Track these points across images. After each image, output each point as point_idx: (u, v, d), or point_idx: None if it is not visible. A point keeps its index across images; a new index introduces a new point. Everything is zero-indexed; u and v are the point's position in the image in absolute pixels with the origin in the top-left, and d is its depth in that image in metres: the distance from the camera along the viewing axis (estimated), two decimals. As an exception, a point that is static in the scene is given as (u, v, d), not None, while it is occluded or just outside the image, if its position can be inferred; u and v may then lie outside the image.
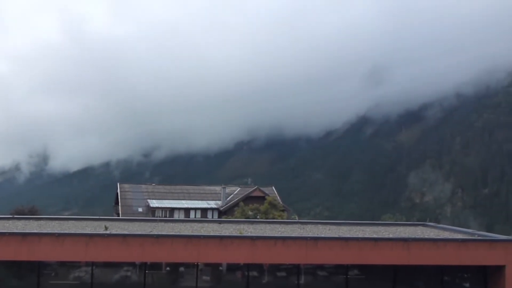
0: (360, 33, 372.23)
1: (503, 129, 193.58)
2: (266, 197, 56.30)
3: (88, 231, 23.88)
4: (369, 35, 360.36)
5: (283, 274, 23.33)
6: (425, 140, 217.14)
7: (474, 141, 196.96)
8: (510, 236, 26.01)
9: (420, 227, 30.12)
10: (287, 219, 50.59)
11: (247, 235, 23.15)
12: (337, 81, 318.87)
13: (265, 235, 23.74)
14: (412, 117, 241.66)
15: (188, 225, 28.16)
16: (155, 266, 22.91)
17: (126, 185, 65.10)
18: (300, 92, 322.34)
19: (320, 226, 29.11)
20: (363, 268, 23.39)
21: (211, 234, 23.57)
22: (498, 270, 22.59)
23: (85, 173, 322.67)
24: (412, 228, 29.36)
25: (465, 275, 24.18)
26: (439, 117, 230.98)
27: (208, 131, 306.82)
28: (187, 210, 58.83)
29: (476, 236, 24.91)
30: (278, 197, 59.64)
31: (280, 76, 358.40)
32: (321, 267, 23.31)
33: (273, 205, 53.07)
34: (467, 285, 24.36)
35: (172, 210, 58.24)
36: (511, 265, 22.34)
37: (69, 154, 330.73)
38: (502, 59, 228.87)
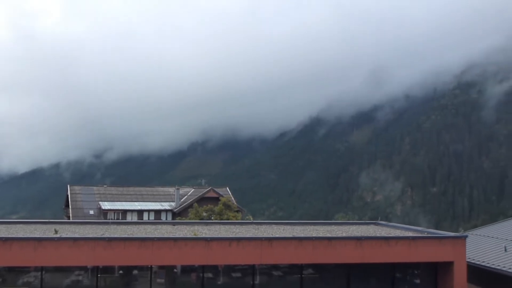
0: (313, 37, 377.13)
1: (450, 130, 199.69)
2: (221, 198, 56.08)
3: (37, 235, 23.19)
4: (321, 39, 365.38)
5: (238, 274, 23.30)
6: (376, 141, 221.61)
7: (422, 141, 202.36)
8: (457, 233, 26.80)
9: (372, 226, 30.64)
10: (242, 219, 50.58)
11: (201, 236, 23.00)
12: (291, 83, 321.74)
13: (219, 236, 23.65)
14: (364, 118, 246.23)
15: (141, 227, 27.76)
16: (108, 269, 22.46)
17: (76, 187, 63.52)
18: (255, 93, 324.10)
19: (274, 226, 29.23)
20: (317, 267, 23.62)
21: (165, 236, 23.31)
22: (447, 266, 23.24)
23: (34, 175, 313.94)
24: (364, 227, 29.83)
25: (416, 272, 24.75)
26: (389, 119, 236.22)
27: (162, 131, 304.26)
28: (140, 212, 57.95)
29: (425, 233, 25.54)
30: (233, 198, 59.52)
31: (235, 78, 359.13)
32: (276, 267, 23.40)
33: (227, 206, 52.91)
34: (418, 281, 24.93)
35: (124, 212, 57.26)
36: (459, 261, 23.03)
37: (17, 155, 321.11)
38: (448, 63, 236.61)
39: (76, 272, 22.19)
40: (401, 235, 25.24)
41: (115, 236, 22.80)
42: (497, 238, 28.99)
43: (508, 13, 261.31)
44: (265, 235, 24.24)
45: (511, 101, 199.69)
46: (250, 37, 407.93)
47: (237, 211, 55.08)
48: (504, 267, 24.04)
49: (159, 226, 28.38)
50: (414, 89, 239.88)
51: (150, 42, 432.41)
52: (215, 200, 56.66)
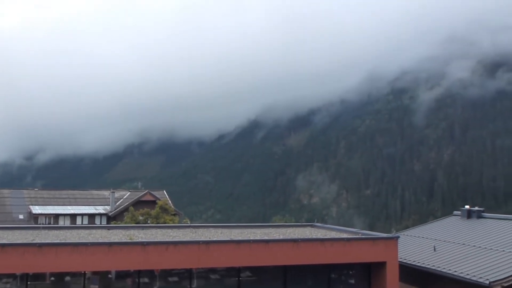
0: (251, 41, 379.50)
1: (383, 134, 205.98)
2: (157, 201, 55.34)
3: (-39, 241, 22.04)
4: (260, 43, 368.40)
5: (175, 279, 23.04)
6: (313, 144, 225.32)
7: (357, 145, 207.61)
8: (390, 234, 27.61)
9: (309, 228, 31.08)
10: (179, 223, 50.07)
11: (137, 240, 22.58)
12: (229, 86, 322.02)
13: (156, 240, 23.30)
14: (301, 121, 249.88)
15: (74, 232, 26.96)
16: (38, 276, 21.64)
17: (5, 190, 60.94)
18: (193, 96, 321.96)
19: (212, 230, 29.12)
20: (254, 269, 23.69)
21: (99, 241, 22.72)
22: (380, 266, 23.88)
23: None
24: (301, 229, 30.21)
25: (350, 272, 25.29)
26: (326, 122, 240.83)
27: (97, 133, 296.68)
28: (73, 216, 56.27)
29: (359, 234, 26.15)
30: (170, 201, 58.84)
31: (173, 80, 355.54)
32: (213, 270, 23.30)
33: (164, 209, 52.29)
34: (352, 281, 25.47)
35: (56, 216, 55.41)
36: (391, 261, 23.71)
37: None
38: (382, 70, 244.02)
39: (4, 280, 21.24)
40: (337, 236, 25.72)
41: (46, 241, 21.98)
42: (427, 238, 30.07)
43: (438, 23, 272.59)
44: (203, 238, 24.09)
45: (441, 107, 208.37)
46: (189, 40, 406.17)
47: (174, 215, 54.53)
48: (433, 266, 24.95)
49: (93, 231, 27.66)
50: (350, 94, 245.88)
51: (87, 42, 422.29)
52: (152, 203, 55.85)
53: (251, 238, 24.02)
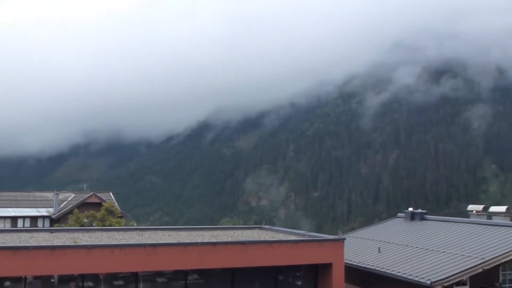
0: (202, 42, 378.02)
1: (331, 137, 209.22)
2: (103, 203, 54.15)
3: None
4: (211, 45, 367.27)
5: (121, 282, 22.62)
6: (262, 147, 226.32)
7: (306, 148, 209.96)
8: (336, 236, 28.05)
9: (257, 230, 31.18)
10: (125, 226, 49.24)
11: (82, 244, 22.05)
12: (179, 87, 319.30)
13: (101, 243, 22.82)
14: (251, 124, 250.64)
15: (15, 235, 26.07)
16: (-24, 281, 20.81)
17: None
18: (141, 96, 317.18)
19: (159, 232, 28.77)
20: (202, 272, 23.55)
21: (42, 244, 22.05)
22: (326, 267, 24.19)
23: None
24: (249, 231, 30.26)
25: (298, 274, 25.50)
26: (275, 125, 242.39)
27: (41, 132, 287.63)
28: (14, 219, 54.35)
29: (307, 237, 26.42)
30: (116, 203, 57.70)
31: (121, 79, 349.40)
32: (160, 273, 23.01)
33: (110, 212, 51.23)
34: (299, 282, 25.70)
35: (-4, 219, 53.42)
36: (337, 262, 24.06)
37: None
38: (331, 74, 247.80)
39: None
40: (284, 238, 25.88)
41: (-15, 245, 21.16)
42: (372, 239, 30.71)
43: (386, 30, 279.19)
44: (150, 241, 23.77)
45: (387, 112, 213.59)
46: (139, 41, 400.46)
47: (121, 217, 53.54)
48: (378, 267, 25.49)
49: (35, 234, 26.83)
50: (299, 97, 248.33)
51: (31, 44, 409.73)
52: (97, 205, 54.63)
53: (199, 241, 23.87)
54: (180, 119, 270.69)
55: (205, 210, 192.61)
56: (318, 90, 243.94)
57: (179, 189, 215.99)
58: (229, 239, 25.35)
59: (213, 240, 24.73)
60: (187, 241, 24.09)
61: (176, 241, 23.88)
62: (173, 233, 28.46)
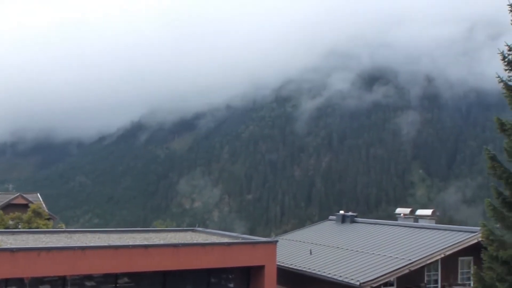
0: (137, 42, 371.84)
1: (266, 140, 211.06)
2: (30, 204, 52.06)
3: None
4: (147, 43, 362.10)
5: (47, 287, 21.81)
6: (197, 148, 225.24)
7: (241, 150, 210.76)
8: (269, 238, 28.20)
9: (190, 232, 30.92)
10: (53, 228, 47.57)
11: (6, 247, 21.08)
12: (112, 86, 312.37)
13: (27, 246, 21.92)
14: (185, 125, 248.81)
15: None
16: None
17: None
18: (73, 95, 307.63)
19: (89, 235, 27.98)
20: (133, 275, 23.08)
21: (-39, 247, 20.91)
22: (259, 269, 24.30)
23: None
24: (182, 234, 29.98)
25: (230, 276, 25.49)
26: (210, 127, 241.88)
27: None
28: None
29: (240, 239, 26.46)
30: (44, 205, 55.60)
31: (52, 77, 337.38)
32: (89, 277, 22.36)
33: (37, 213, 49.29)
34: (232, 285, 25.69)
35: None
36: (269, 264, 24.22)
37: None
38: (268, 78, 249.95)
39: None
40: (217, 241, 25.81)
41: None
42: (304, 242, 31.14)
43: (322, 36, 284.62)
44: (78, 244, 23.07)
45: (321, 116, 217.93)
46: (72, 39, 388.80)
47: (48, 219, 51.65)
48: (309, 268, 25.87)
49: (-46, 237, 25.43)
50: (235, 100, 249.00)
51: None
52: (24, 207, 52.45)
53: (130, 243, 23.40)
54: (113, 119, 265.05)
55: (137, 212, 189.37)
56: (254, 93, 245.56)
57: (110, 190, 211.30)
58: (161, 242, 25.00)
59: (145, 242, 24.32)
60: (118, 243, 23.57)
61: (106, 244, 23.30)
62: (103, 235, 27.76)
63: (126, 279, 23.23)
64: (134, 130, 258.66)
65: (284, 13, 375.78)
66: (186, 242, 25.03)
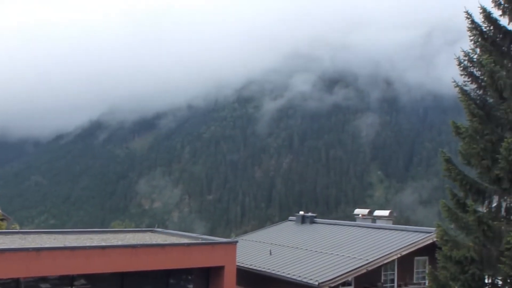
0: (98, 37, 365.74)
1: (227, 141, 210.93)
2: (-17, 204, 50.57)
3: None
4: (107, 41, 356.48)
5: (0, 289, 21.21)
6: (157, 148, 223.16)
7: (202, 151, 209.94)
8: (229, 239, 28.16)
9: (149, 233, 30.58)
10: (7, 229, 46.32)
11: (-44, 248, 20.38)
12: (71, 83, 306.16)
13: (-22, 247, 21.23)
14: (146, 125, 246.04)
15: None
16: None
17: None
18: (29, 92, 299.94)
19: (44, 236, 27.33)
20: (90, 277, 22.67)
21: None
22: (218, 270, 24.24)
23: None
24: (141, 235, 29.62)
25: (189, 277, 25.33)
26: (171, 127, 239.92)
27: None
28: None
29: (200, 240, 26.32)
30: (-2, 205, 54.12)
31: (7, 75, 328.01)
32: (44, 279, 21.83)
33: (-10, 214, 47.91)
34: (191, 286, 25.53)
35: None
36: (229, 265, 24.19)
37: None
38: (229, 78, 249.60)
39: None
40: (177, 242, 25.62)
41: None
42: (264, 242, 31.24)
43: (284, 37, 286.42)
44: (33, 245, 22.49)
45: (282, 117, 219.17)
46: (31, 35, 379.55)
47: (2, 220, 50.24)
48: (269, 269, 25.97)
49: None
50: (197, 100, 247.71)
51: None
52: (-24, 207, 50.93)
53: (87, 244, 22.97)
54: (71, 117, 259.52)
55: (95, 213, 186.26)
56: (215, 94, 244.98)
57: (67, 190, 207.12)
58: (119, 243, 24.64)
59: (103, 243, 23.92)
60: (74, 244, 23.10)
61: (62, 245, 22.80)
62: (59, 236, 27.17)
63: (82, 281, 22.80)
64: (93, 129, 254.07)
65: (246, 14, 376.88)
66: (144, 243, 24.74)
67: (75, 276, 22.14)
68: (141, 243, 24.40)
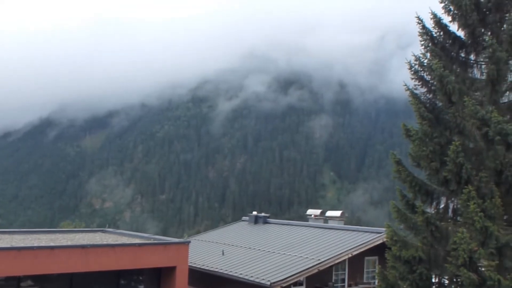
0: (49, 34, 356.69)
1: (181, 140, 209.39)
2: None
3: None
4: (59, 37, 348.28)
5: None
6: (109, 147, 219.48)
7: (155, 150, 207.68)
8: (182, 239, 27.92)
9: (100, 233, 30.03)
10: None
11: None
12: (20, 79, 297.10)
13: None
14: (98, 123, 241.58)
15: None
16: None
17: None
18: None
19: (-11, 236, 26.45)
20: (38, 278, 22.05)
21: None
22: (170, 270, 24.02)
23: None
24: (91, 235, 29.05)
25: (140, 277, 24.99)
26: (124, 125, 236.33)
27: None
28: None
29: (151, 240, 26.02)
30: None
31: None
32: (-12, 280, 21.13)
33: None
34: (142, 286, 25.21)
35: None
36: (181, 265, 24.00)
37: None
38: (184, 77, 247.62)
39: None
40: (128, 242, 25.25)
41: None
42: (217, 242, 31.15)
43: (240, 38, 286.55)
44: (-23, 245, 21.73)
45: (237, 117, 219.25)
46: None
47: None
48: (221, 269, 25.90)
49: None
50: (150, 98, 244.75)
51: None
52: None
53: (35, 245, 22.34)
54: (19, 114, 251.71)
55: (44, 212, 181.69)
56: (170, 93, 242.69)
57: (14, 189, 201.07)
58: (69, 243, 24.10)
59: (51, 244, 23.33)
60: (21, 245, 22.43)
61: (8, 245, 22.10)
62: (5, 236, 26.34)
63: (29, 282, 22.16)
64: (42, 127, 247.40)
65: (202, 14, 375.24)
66: (94, 243, 24.28)
67: (21, 277, 21.51)
68: (91, 243, 23.95)
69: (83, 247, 22.31)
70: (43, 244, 23.14)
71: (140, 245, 23.77)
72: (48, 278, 22.31)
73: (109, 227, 33.03)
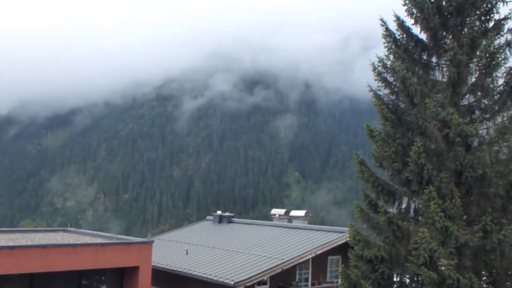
0: (10, 29, 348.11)
1: (145, 139, 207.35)
2: None
3: None
4: (20, 32, 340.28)
5: None
6: (71, 145, 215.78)
7: (118, 149, 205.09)
8: (145, 238, 27.67)
9: (61, 233, 29.48)
10: None
11: None
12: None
13: None
14: (60, 121, 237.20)
15: None
16: None
17: None
18: None
19: None
20: (-5, 279, 21.53)
21: None
22: (133, 270, 23.76)
23: None
24: (52, 234, 28.50)
25: (103, 278, 24.64)
26: (87, 123, 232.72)
27: None
28: None
29: (114, 239, 25.68)
30: None
31: None
32: None
33: None
34: (104, 287, 24.86)
35: None
36: (144, 265, 23.76)
37: None
38: (148, 75, 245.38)
39: None
40: (90, 241, 24.87)
41: None
42: (181, 242, 30.97)
43: (205, 36, 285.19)
44: None
45: (202, 116, 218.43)
46: None
47: None
48: (185, 269, 25.77)
49: None
50: (114, 96, 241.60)
51: None
52: None
53: (-7, 245, 21.80)
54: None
55: (3, 211, 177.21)
56: (134, 91, 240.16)
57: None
58: (29, 243, 23.59)
59: (11, 243, 22.81)
60: (-21, 245, 21.86)
61: (-35, 245, 21.51)
62: (-38, 236, 25.62)
63: (-13, 283, 21.65)
64: (2, 124, 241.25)
65: (167, 12, 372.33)
66: (55, 243, 23.83)
67: (-22, 278, 20.98)
68: (52, 243, 23.51)
69: (43, 247, 21.88)
70: (2, 244, 22.62)
71: (102, 244, 23.44)
72: (7, 278, 21.80)
73: (71, 227, 32.47)
